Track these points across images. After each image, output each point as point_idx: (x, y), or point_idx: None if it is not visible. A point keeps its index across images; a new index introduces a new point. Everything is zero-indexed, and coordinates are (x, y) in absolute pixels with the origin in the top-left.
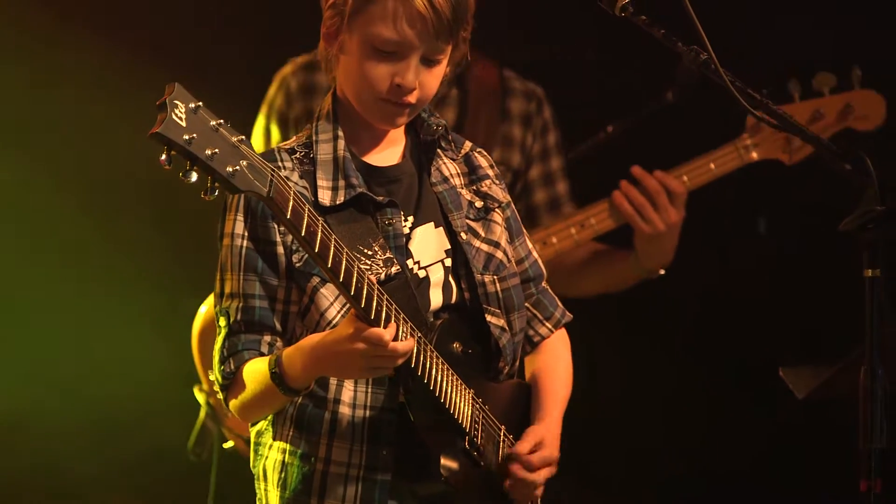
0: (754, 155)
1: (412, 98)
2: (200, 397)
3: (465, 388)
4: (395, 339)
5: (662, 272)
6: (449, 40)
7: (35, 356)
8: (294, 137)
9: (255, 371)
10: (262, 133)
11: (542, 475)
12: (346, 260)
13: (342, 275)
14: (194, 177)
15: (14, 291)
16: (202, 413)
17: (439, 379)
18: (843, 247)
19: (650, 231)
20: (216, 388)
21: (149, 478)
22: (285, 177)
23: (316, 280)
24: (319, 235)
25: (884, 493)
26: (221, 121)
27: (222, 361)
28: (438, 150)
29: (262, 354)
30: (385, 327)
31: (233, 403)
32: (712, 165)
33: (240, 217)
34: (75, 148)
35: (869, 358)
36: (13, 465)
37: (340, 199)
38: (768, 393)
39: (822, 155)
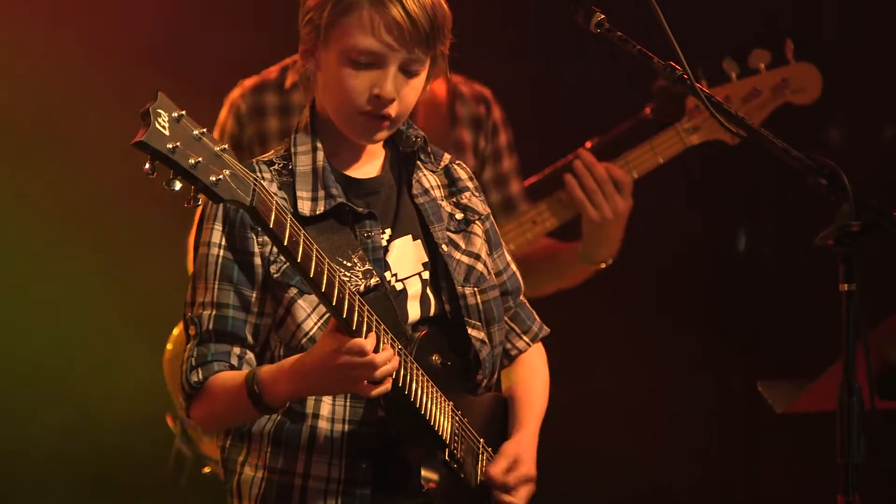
0: (695, 138)
1: (391, 110)
2: (174, 426)
3: (444, 401)
4: (376, 349)
5: (607, 264)
6: (427, 50)
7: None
8: (272, 150)
9: (228, 387)
10: None
11: (521, 494)
12: (328, 270)
13: (324, 285)
14: (178, 185)
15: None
16: (176, 441)
17: (419, 391)
18: (824, 259)
19: (597, 218)
20: (181, 397)
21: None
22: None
23: (293, 291)
24: (301, 245)
25: None
26: (205, 130)
27: (190, 370)
28: (418, 163)
29: (231, 367)
30: (365, 338)
31: (197, 413)
32: (655, 150)
33: (218, 226)
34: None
35: (846, 372)
36: None
37: (320, 209)
38: (747, 407)
39: (798, 170)
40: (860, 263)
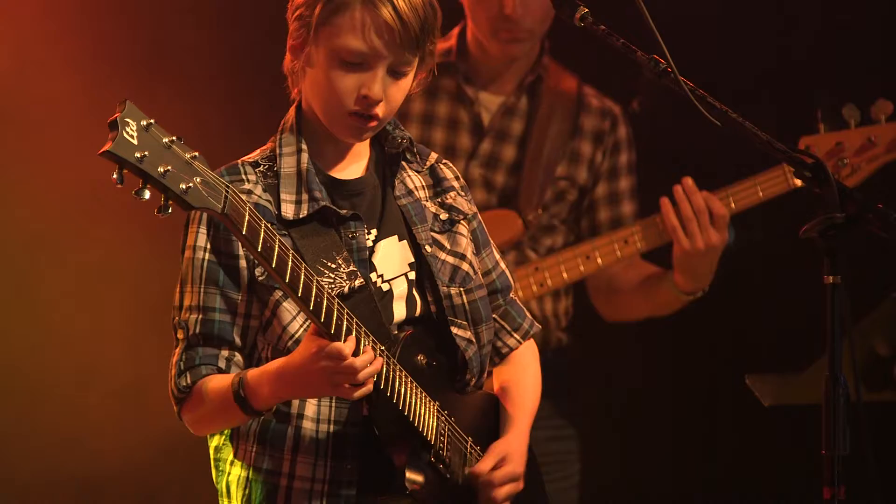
0: (800, 181)
1: (378, 110)
2: None
3: (429, 401)
4: (356, 352)
5: (700, 294)
6: (416, 52)
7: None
8: (258, 150)
9: (216, 390)
10: None
11: (504, 491)
12: (305, 275)
13: (300, 290)
14: (147, 194)
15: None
16: None
17: (403, 392)
18: (811, 252)
19: (689, 248)
20: (171, 402)
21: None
22: (248, 190)
23: (279, 294)
24: (276, 251)
25: (848, 499)
26: (174, 138)
27: (179, 374)
28: (403, 163)
29: (219, 370)
30: (344, 341)
31: (187, 417)
32: (759, 189)
33: (202, 230)
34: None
35: (831, 365)
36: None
37: (303, 212)
38: (734, 400)
39: (781, 160)
40: (845, 256)
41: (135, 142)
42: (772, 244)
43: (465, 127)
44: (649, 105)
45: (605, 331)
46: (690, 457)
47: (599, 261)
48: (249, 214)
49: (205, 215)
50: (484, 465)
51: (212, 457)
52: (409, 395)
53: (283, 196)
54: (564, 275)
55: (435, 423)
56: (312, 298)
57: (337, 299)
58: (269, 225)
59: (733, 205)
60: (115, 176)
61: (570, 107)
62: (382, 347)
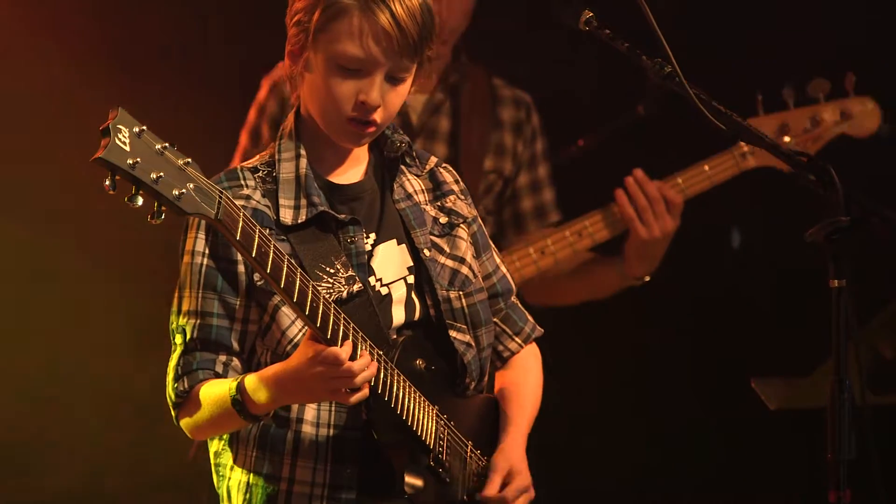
0: (751, 162)
1: (376, 116)
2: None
3: (428, 405)
4: (353, 357)
5: (647, 279)
6: (414, 58)
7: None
8: (257, 156)
9: (213, 395)
10: (251, 134)
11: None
12: (301, 280)
13: (296, 295)
14: (140, 201)
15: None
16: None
17: (401, 396)
18: (816, 256)
19: (646, 236)
20: (169, 406)
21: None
22: (247, 195)
23: (277, 298)
24: (271, 256)
25: (853, 503)
26: (167, 144)
27: (176, 379)
28: (402, 167)
29: (217, 374)
30: (341, 346)
31: (185, 422)
32: (708, 172)
33: (201, 235)
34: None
35: (836, 369)
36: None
37: (302, 217)
38: (738, 403)
39: (787, 165)
40: (851, 259)
41: (127, 148)
42: (776, 247)
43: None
44: (654, 109)
45: (606, 333)
46: (694, 461)
47: (556, 254)
48: (243, 220)
49: (203, 221)
50: (492, 488)
51: (212, 462)
52: (407, 400)
53: (281, 201)
54: (521, 270)
55: (434, 428)
56: (308, 304)
57: (333, 304)
58: (263, 230)
59: (684, 189)
60: (107, 182)
61: (487, 100)
62: (380, 352)
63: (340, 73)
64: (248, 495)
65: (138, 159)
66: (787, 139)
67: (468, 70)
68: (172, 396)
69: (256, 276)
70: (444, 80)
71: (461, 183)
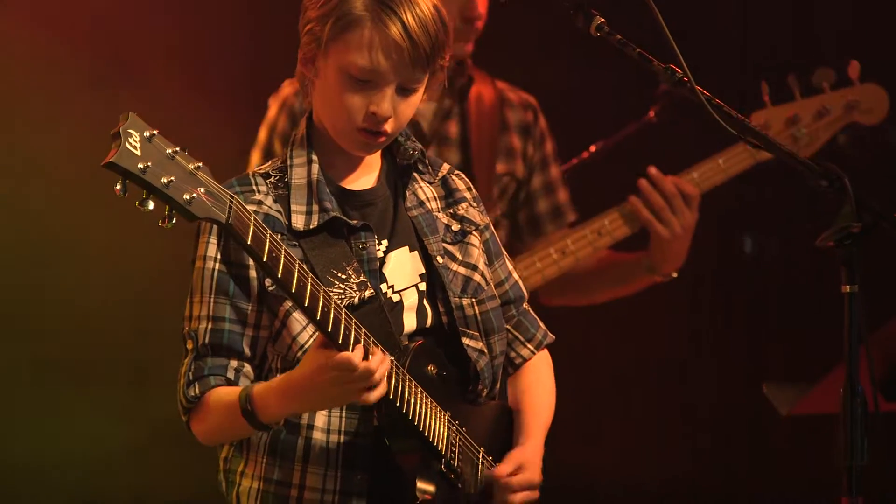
0: (766, 152)
1: (387, 126)
2: None
3: (440, 411)
4: (365, 358)
5: (675, 275)
6: (425, 69)
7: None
8: (269, 162)
9: (224, 403)
10: (263, 152)
11: (520, 497)
12: (312, 285)
13: (307, 300)
14: (151, 205)
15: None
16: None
17: (412, 402)
18: (829, 261)
19: (667, 235)
20: (180, 412)
21: None
22: (258, 201)
23: (288, 304)
24: (282, 261)
25: None
26: (178, 148)
27: (187, 385)
28: (415, 174)
29: (228, 380)
30: (352, 351)
31: (196, 428)
32: (723, 165)
33: (213, 240)
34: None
35: (848, 375)
36: None
37: (314, 223)
38: (751, 408)
39: (800, 171)
40: (863, 265)
41: (138, 153)
42: (789, 252)
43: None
44: (667, 115)
45: (615, 339)
46: (706, 467)
47: (577, 253)
48: (254, 224)
49: (215, 226)
50: (503, 470)
51: (221, 468)
52: (418, 406)
53: (293, 207)
54: (543, 271)
55: (446, 434)
56: (319, 309)
57: (345, 310)
58: (274, 235)
59: (699, 182)
60: (118, 187)
61: (494, 103)
62: (392, 358)
63: (351, 83)
64: (258, 502)
65: (149, 163)
66: (802, 129)
67: (475, 74)
68: (183, 402)
69: (268, 282)
70: (451, 84)
71: (473, 190)
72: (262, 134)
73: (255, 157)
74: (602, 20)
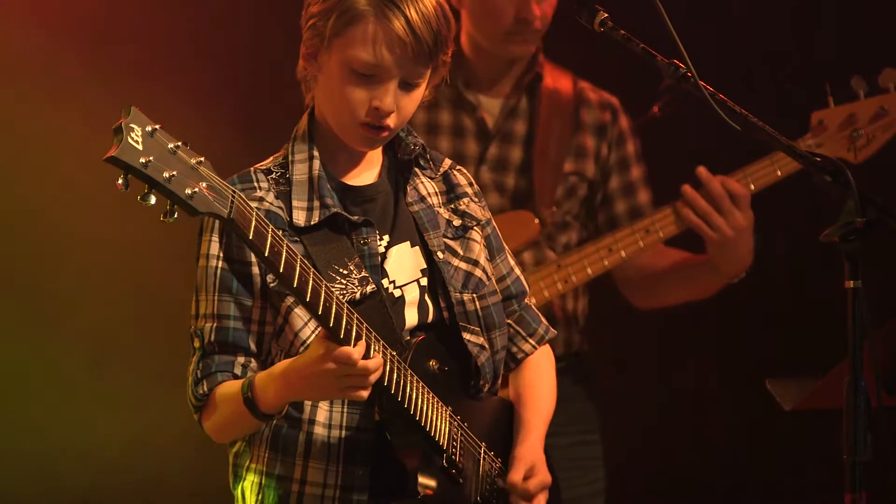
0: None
1: (390, 121)
2: None
3: (441, 406)
4: (366, 357)
5: (743, 275)
6: (428, 64)
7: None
8: (271, 157)
9: (229, 395)
10: None
11: (540, 501)
12: (314, 280)
13: (309, 294)
14: (153, 200)
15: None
16: None
17: (414, 397)
18: (832, 256)
19: (718, 238)
20: (190, 408)
21: None
22: (260, 197)
23: (290, 300)
24: (284, 256)
25: None
26: (180, 143)
27: (196, 383)
28: (416, 169)
29: (235, 376)
30: (354, 346)
31: (207, 425)
32: (776, 165)
33: (215, 238)
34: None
35: (852, 370)
36: None
37: (315, 219)
38: (754, 403)
39: (803, 166)
40: (867, 260)
41: (140, 147)
42: (793, 248)
43: (471, 133)
44: (671, 110)
45: (622, 334)
46: (712, 461)
47: (623, 253)
48: (256, 220)
49: (217, 223)
50: (518, 475)
51: (230, 462)
52: (420, 401)
53: (294, 203)
54: (588, 270)
55: (447, 429)
56: (321, 304)
57: (346, 305)
58: (276, 230)
59: (752, 185)
60: (120, 181)
61: (570, 102)
62: (394, 353)
63: (354, 78)
64: (260, 496)
65: (151, 158)
66: (859, 130)
67: (546, 69)
68: (193, 400)
69: (270, 278)
70: (518, 82)
71: (475, 185)
72: None
73: None
74: (605, 15)
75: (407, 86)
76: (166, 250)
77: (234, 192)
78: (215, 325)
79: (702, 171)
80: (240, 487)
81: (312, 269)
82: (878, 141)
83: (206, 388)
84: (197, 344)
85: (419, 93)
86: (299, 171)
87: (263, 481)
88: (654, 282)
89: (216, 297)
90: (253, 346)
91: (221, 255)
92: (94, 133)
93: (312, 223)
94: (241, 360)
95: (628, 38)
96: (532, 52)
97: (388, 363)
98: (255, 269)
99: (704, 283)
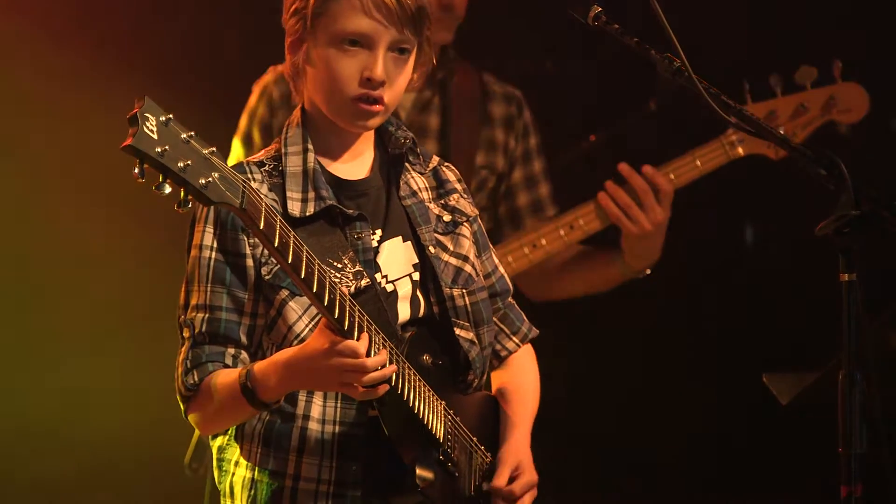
0: (740, 150)
1: (383, 93)
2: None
3: (437, 400)
4: (368, 351)
5: (648, 272)
6: (414, 31)
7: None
8: (263, 151)
9: (223, 384)
10: (243, 140)
11: (525, 502)
12: (319, 271)
13: (315, 285)
14: (167, 189)
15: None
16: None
17: (411, 391)
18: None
19: (637, 231)
20: (178, 400)
21: (144, 492)
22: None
23: (285, 293)
24: (292, 246)
25: (864, 497)
26: (192, 133)
27: (185, 373)
28: (406, 164)
29: (226, 366)
30: (357, 339)
31: (193, 415)
32: (698, 162)
33: (209, 228)
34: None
35: (847, 363)
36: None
37: (310, 210)
38: (750, 397)
39: (796, 159)
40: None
41: (155, 136)
42: (788, 241)
43: None
44: (666, 104)
45: (613, 332)
46: (704, 456)
47: (547, 248)
48: (266, 210)
49: (211, 214)
50: (502, 478)
51: (214, 457)
52: (417, 395)
53: (289, 194)
54: (513, 264)
55: (443, 423)
56: (327, 294)
57: (349, 297)
58: (283, 221)
59: (674, 178)
60: (136, 171)
61: (477, 96)
62: (392, 345)
63: (343, 51)
64: (252, 492)
65: (166, 147)
66: (780, 127)
67: (456, 66)
68: (182, 390)
69: (264, 270)
70: (431, 76)
71: (463, 182)
72: (243, 121)
73: (236, 144)
74: (599, 9)
75: (396, 52)
76: (151, 245)
77: (245, 182)
78: (207, 315)
79: (623, 166)
80: (228, 482)
81: (317, 261)
82: (798, 138)
83: (196, 378)
84: (186, 334)
85: (409, 66)
86: (293, 164)
87: (255, 476)
88: (553, 273)
89: (209, 288)
90: (244, 339)
91: (215, 245)
92: (88, 134)
93: (308, 214)
94: (231, 351)
95: (622, 32)
96: (448, 42)
97: (388, 357)
98: (249, 262)
99: (610, 276)
